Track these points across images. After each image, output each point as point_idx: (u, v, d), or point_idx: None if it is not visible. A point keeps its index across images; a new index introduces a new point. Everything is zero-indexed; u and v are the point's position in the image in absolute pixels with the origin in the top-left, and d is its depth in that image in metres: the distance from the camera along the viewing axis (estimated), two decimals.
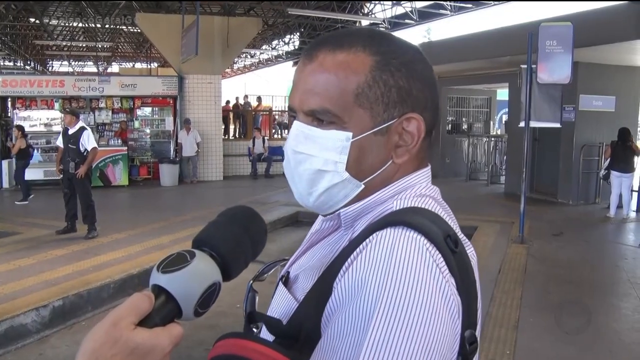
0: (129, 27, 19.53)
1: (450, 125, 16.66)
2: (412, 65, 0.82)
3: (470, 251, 0.78)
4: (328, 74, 0.79)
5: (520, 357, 4.22)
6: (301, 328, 0.73)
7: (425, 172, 0.86)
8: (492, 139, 15.35)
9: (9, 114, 13.67)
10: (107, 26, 19.50)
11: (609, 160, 9.90)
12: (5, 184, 12.85)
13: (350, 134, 0.79)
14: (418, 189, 0.82)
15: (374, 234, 0.71)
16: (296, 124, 0.84)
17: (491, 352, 4.26)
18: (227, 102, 20.59)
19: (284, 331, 0.76)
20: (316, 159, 0.81)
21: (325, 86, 0.79)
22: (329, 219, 0.86)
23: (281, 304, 0.82)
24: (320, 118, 0.80)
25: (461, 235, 0.79)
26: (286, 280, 0.88)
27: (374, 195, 0.82)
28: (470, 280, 0.73)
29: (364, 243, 0.71)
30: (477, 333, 0.75)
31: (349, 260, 0.71)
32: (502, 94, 17.42)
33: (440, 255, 0.69)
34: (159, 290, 0.66)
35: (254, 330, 0.82)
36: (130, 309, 0.63)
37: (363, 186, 0.82)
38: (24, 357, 4.53)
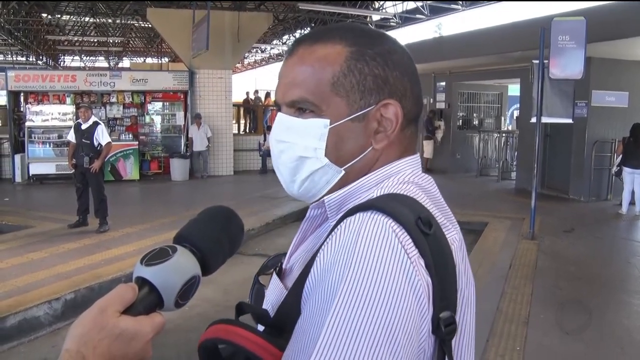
0: (140, 23, 19.59)
1: (461, 121, 16.60)
2: (388, 55, 0.85)
3: (451, 235, 0.78)
4: (306, 67, 0.84)
5: (531, 353, 4.21)
6: (288, 316, 0.75)
7: (411, 160, 0.88)
8: (503, 134, 15.28)
9: (22, 109, 13.76)
10: (118, 21, 19.59)
11: (621, 156, 9.82)
12: (18, 178, 12.95)
13: (327, 121, 0.83)
14: (402, 176, 0.84)
15: (345, 219, 0.74)
16: (279, 115, 0.88)
17: (501, 347, 4.26)
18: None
19: (271, 321, 0.79)
20: (297, 146, 0.85)
21: (304, 78, 0.84)
22: (315, 207, 0.89)
23: (273, 294, 0.86)
24: (300, 108, 0.84)
25: (444, 221, 0.80)
26: (280, 271, 0.91)
27: (356, 182, 0.85)
28: (445, 263, 0.73)
29: (336, 228, 0.74)
30: (463, 316, 0.77)
31: (323, 246, 0.74)
32: (514, 89, 17.33)
33: (407, 237, 0.70)
34: (142, 281, 0.72)
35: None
36: (116, 298, 0.69)
37: (343, 172, 0.85)
38: (37, 349, 4.58)
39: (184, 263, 0.74)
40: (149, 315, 0.70)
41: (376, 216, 0.71)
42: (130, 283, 0.71)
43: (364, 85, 0.82)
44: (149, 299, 0.71)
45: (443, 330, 0.70)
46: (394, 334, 0.64)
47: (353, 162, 0.84)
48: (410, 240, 0.70)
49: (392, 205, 0.73)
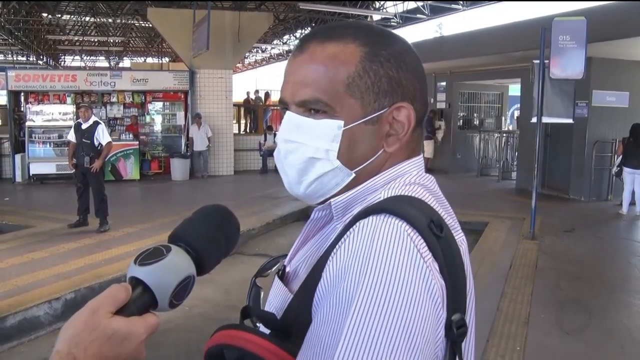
0: (141, 22, 19.59)
1: (461, 121, 16.60)
2: (400, 57, 0.83)
3: (459, 237, 0.78)
4: (318, 65, 0.81)
5: (531, 353, 4.21)
6: (295, 320, 0.74)
7: (416, 161, 0.87)
8: (504, 134, 15.28)
9: (22, 109, 13.76)
10: (118, 21, 19.59)
11: (621, 156, 9.82)
12: (19, 178, 12.96)
13: (342, 122, 0.81)
14: (408, 178, 0.83)
15: (357, 223, 0.73)
16: (288, 114, 0.85)
17: (501, 347, 4.25)
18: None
19: (278, 325, 0.78)
20: (307, 147, 0.83)
21: (316, 77, 0.81)
22: (321, 209, 0.87)
23: (277, 298, 0.84)
24: (312, 108, 0.82)
25: (452, 222, 0.79)
26: (282, 274, 0.89)
27: (363, 185, 0.84)
28: (456, 265, 0.73)
29: (348, 232, 0.73)
30: (469, 317, 0.76)
31: (334, 249, 0.72)
32: (514, 89, 17.33)
33: (422, 240, 0.70)
34: (136, 281, 0.71)
35: (256, 325, 0.83)
36: (108, 298, 0.68)
37: (354, 175, 0.83)
38: (37, 348, 4.58)
39: (179, 263, 0.73)
40: (142, 315, 0.69)
41: (390, 219, 0.71)
42: (123, 283, 0.70)
43: (379, 87, 0.81)
44: (142, 299, 0.70)
45: (455, 332, 0.70)
46: (414, 339, 0.64)
47: (364, 164, 0.83)
48: (424, 244, 0.70)
49: (404, 208, 0.73)
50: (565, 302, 5.39)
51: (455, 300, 0.71)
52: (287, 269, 0.90)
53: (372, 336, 0.62)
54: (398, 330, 0.63)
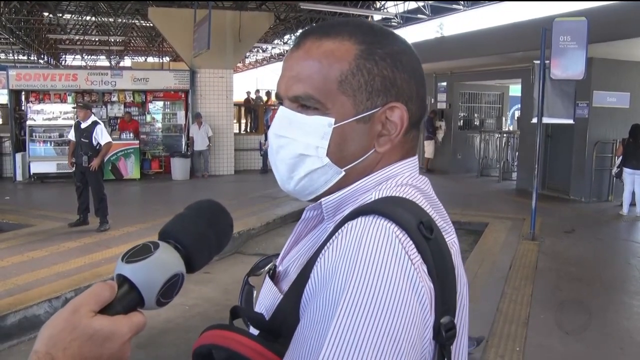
0: (142, 22, 19.60)
1: (462, 121, 16.58)
2: (398, 56, 0.83)
3: (451, 239, 0.78)
4: (313, 62, 0.81)
5: (531, 353, 4.21)
6: (284, 320, 0.74)
7: (410, 162, 0.86)
8: (504, 135, 15.25)
9: (23, 108, 13.76)
10: (119, 21, 19.60)
11: (621, 157, 9.81)
12: (19, 177, 12.96)
13: (332, 120, 0.81)
14: (400, 179, 0.82)
15: (346, 224, 0.72)
16: (281, 109, 0.85)
17: (501, 348, 4.26)
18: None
19: (266, 325, 0.77)
20: (298, 143, 0.82)
21: (310, 73, 0.81)
22: (312, 209, 0.87)
23: (267, 298, 0.84)
24: (304, 104, 0.82)
25: (443, 224, 0.79)
26: (273, 274, 0.89)
27: (355, 185, 0.83)
28: (446, 267, 0.73)
29: (336, 233, 0.73)
30: (459, 320, 0.76)
31: (323, 250, 0.72)
32: (515, 89, 17.31)
33: (410, 242, 0.69)
34: (122, 279, 0.68)
35: (247, 325, 0.82)
36: (91, 297, 0.66)
37: (344, 173, 0.83)
38: None
39: (166, 260, 0.71)
40: (127, 314, 0.67)
41: (379, 221, 0.70)
42: (109, 281, 0.68)
43: (372, 86, 0.81)
44: (128, 298, 0.68)
45: (444, 335, 0.69)
46: (398, 343, 0.63)
47: (354, 163, 0.82)
48: (413, 246, 0.69)
49: (393, 210, 0.72)
50: (565, 303, 5.38)
51: (444, 302, 0.71)
52: (279, 269, 0.89)
53: (356, 339, 0.62)
54: (383, 333, 0.63)
